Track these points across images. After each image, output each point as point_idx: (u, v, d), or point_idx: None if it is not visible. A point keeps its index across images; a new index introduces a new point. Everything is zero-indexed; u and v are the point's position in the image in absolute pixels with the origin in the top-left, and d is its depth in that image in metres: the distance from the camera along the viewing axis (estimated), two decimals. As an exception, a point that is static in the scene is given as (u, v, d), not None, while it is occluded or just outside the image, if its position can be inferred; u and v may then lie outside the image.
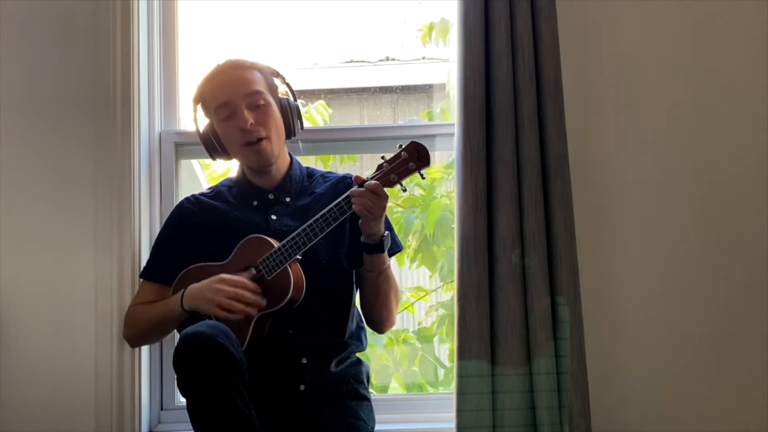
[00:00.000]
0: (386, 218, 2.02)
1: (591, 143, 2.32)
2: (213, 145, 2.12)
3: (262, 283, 1.96)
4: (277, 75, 2.15)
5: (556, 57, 2.19)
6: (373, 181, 1.91)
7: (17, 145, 2.35)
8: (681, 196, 2.32)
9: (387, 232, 1.99)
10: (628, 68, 2.35)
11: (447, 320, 2.77)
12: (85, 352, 2.28)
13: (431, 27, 2.76)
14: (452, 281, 2.43)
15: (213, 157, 2.16)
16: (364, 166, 2.89)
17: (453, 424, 2.14)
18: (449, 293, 2.77)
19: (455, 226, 2.19)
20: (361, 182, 1.92)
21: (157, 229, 2.38)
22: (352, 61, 3.00)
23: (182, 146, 2.47)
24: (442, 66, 2.76)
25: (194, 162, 2.65)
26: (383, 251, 2.00)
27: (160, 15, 2.49)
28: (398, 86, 3.00)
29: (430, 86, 2.96)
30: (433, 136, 2.46)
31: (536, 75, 2.19)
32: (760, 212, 2.29)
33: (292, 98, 2.15)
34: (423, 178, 1.96)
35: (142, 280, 2.19)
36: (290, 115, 2.12)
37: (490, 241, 2.16)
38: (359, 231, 1.98)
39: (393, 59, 3.00)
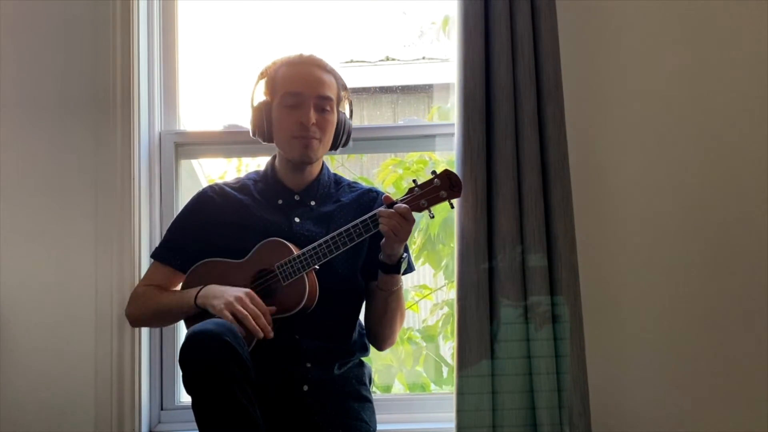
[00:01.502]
0: None
1: (591, 143, 2.32)
2: (262, 123, 2.09)
3: (276, 287, 1.96)
4: (345, 89, 2.15)
5: (556, 57, 2.19)
6: (404, 205, 1.91)
7: (17, 144, 2.35)
8: (681, 196, 2.32)
9: (405, 255, 2.00)
10: (628, 68, 2.35)
11: (451, 318, 2.76)
12: (84, 352, 2.28)
13: (446, 20, 2.74)
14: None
15: (254, 134, 2.13)
16: (364, 164, 2.89)
17: (453, 424, 2.14)
18: (453, 291, 2.77)
19: (455, 225, 2.19)
20: (391, 203, 1.92)
21: (158, 229, 2.39)
22: (352, 61, 2.99)
23: (182, 146, 2.47)
24: (442, 66, 2.75)
25: (194, 162, 2.65)
26: (399, 272, 2.01)
27: (160, 15, 2.49)
28: (398, 86, 3.00)
29: (430, 86, 2.96)
30: (433, 136, 2.47)
31: (536, 75, 2.19)
32: (761, 212, 2.29)
33: (349, 117, 2.16)
34: (452, 207, 1.97)
35: (152, 260, 2.16)
36: (342, 132, 2.12)
37: (490, 241, 2.16)
38: (378, 247, 1.98)
39: (393, 59, 3.00)
